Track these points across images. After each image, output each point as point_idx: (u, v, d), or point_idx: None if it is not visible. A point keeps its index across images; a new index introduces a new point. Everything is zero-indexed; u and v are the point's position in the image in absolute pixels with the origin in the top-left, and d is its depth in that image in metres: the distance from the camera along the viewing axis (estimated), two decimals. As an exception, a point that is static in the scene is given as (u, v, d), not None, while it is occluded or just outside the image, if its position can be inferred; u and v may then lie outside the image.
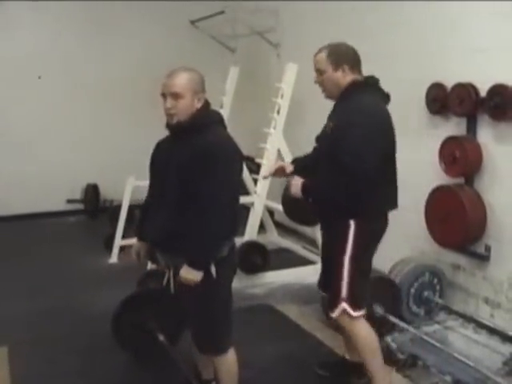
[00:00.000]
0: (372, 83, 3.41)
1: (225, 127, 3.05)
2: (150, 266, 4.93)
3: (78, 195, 7.99)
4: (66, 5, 7.48)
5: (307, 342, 4.32)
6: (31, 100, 7.51)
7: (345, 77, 3.34)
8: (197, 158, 2.78)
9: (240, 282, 5.35)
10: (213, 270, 2.87)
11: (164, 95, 2.89)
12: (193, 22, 7.29)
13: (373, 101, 3.28)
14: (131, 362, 4.04)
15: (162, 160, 3.04)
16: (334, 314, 3.35)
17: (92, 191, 7.83)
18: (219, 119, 3.02)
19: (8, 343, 4.25)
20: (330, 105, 6.08)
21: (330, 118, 3.48)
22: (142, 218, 3.29)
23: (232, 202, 2.88)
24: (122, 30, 7.76)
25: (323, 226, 3.57)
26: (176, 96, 2.84)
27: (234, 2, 7.05)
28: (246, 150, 6.38)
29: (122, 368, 4.02)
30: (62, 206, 7.92)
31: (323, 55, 3.35)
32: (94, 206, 7.84)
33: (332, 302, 3.37)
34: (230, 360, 3.12)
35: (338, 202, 3.18)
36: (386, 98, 3.43)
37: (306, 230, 6.14)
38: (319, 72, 3.39)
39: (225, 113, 6.54)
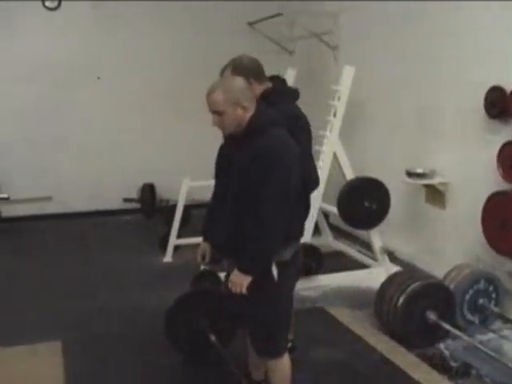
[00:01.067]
0: (278, 90, 3.46)
1: (283, 127, 3.01)
2: (202, 266, 4.97)
3: (134, 194, 8.07)
4: (124, 5, 7.63)
5: (358, 347, 4.28)
6: (90, 100, 7.66)
7: (254, 90, 3.32)
8: (255, 162, 2.77)
9: (293, 285, 5.35)
10: (274, 272, 2.86)
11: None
12: (251, 24, 7.32)
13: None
14: (182, 361, 4.07)
15: (225, 163, 3.06)
16: None
17: (148, 191, 7.91)
18: (275, 120, 2.96)
19: (62, 338, 4.36)
20: (388, 108, 6.06)
21: None
22: (207, 218, 3.31)
23: (292, 206, 2.84)
24: (181, 30, 7.84)
25: None
26: (218, 113, 2.85)
27: (291, 3, 7.08)
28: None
29: (173, 367, 4.05)
30: (118, 204, 8.03)
31: (228, 72, 3.31)
32: (150, 206, 7.91)
33: None
34: (284, 363, 3.12)
35: None
36: (294, 95, 3.56)
37: (362, 233, 6.09)
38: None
39: (281, 115, 6.55)
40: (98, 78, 7.74)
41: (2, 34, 7.41)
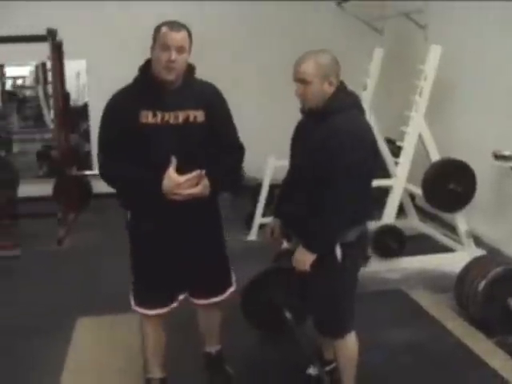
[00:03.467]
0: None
1: (361, 111, 2.99)
2: (285, 244, 5.01)
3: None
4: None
5: (436, 331, 4.23)
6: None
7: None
8: (325, 143, 2.78)
9: (374, 266, 5.34)
10: (338, 253, 2.88)
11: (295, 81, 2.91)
12: (339, 3, 7.25)
13: None
14: (258, 338, 4.15)
15: (299, 141, 3.09)
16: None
17: (237, 169, 8.00)
18: (354, 102, 2.95)
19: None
20: (477, 88, 5.87)
21: None
22: (280, 196, 3.35)
23: (360, 188, 2.85)
24: (269, 9, 7.93)
25: None
26: (304, 82, 2.83)
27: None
28: (388, 133, 6.35)
29: (249, 343, 4.12)
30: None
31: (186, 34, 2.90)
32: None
33: None
34: (348, 345, 3.12)
35: None
36: None
37: (448, 216, 5.97)
38: (183, 49, 2.88)
39: (368, 95, 6.49)
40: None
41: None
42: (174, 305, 3.24)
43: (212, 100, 3.09)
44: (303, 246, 2.89)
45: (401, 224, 5.77)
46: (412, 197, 6.52)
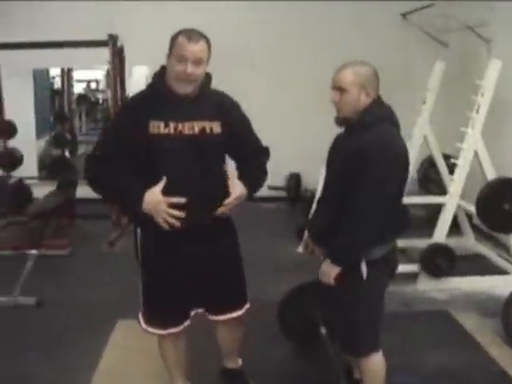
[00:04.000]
0: None
1: (395, 125, 2.91)
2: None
3: (280, 183, 8.17)
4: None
5: (478, 358, 4.04)
6: (243, 89, 7.80)
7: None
8: (355, 157, 2.73)
9: (422, 285, 5.21)
10: (364, 270, 2.81)
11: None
12: (404, 15, 7.14)
13: None
14: (291, 352, 4.10)
15: (333, 154, 3.07)
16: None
17: (294, 180, 8.01)
18: (387, 116, 2.89)
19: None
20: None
21: None
22: (315, 209, 3.34)
23: (387, 205, 2.76)
24: (333, 20, 7.86)
25: None
26: (341, 90, 2.81)
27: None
28: (445, 148, 6.19)
29: (280, 357, 4.05)
30: (264, 192, 8.10)
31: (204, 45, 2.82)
32: (295, 195, 8.04)
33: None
34: (371, 365, 3.03)
35: None
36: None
37: (506, 237, 5.75)
38: (201, 61, 2.81)
39: (427, 108, 6.31)
40: (252, 66, 7.91)
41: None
42: (187, 323, 3.13)
43: (230, 111, 3.02)
44: (329, 259, 2.85)
45: (455, 243, 5.64)
46: (469, 215, 6.32)
